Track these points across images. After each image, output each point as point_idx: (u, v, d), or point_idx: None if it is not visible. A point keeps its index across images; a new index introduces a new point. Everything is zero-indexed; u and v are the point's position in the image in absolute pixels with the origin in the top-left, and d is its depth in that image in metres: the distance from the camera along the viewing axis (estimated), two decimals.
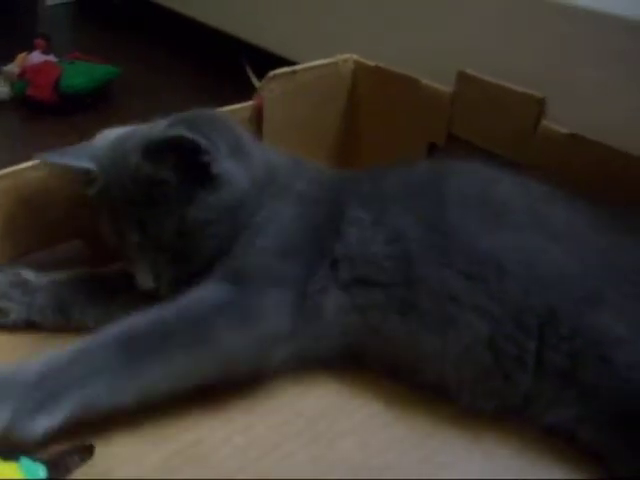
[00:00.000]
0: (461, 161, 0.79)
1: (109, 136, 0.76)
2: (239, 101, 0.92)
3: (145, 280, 0.71)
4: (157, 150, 0.68)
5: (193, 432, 0.64)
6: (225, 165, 0.69)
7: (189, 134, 0.66)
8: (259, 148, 0.77)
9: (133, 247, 0.71)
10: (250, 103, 0.94)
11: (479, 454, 0.64)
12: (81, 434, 0.61)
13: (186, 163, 0.67)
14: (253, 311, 0.65)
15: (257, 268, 0.68)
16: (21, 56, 1.52)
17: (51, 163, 0.76)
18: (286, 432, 0.65)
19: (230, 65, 1.62)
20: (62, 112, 1.44)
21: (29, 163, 0.78)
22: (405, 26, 1.13)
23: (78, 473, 0.59)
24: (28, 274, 0.77)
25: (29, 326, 0.76)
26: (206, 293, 0.66)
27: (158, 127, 0.72)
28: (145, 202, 0.69)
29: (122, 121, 0.79)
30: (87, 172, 0.73)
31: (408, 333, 0.66)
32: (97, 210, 0.74)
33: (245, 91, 0.97)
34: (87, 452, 0.61)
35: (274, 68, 0.96)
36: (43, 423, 0.58)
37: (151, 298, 0.71)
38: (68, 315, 0.76)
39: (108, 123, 0.79)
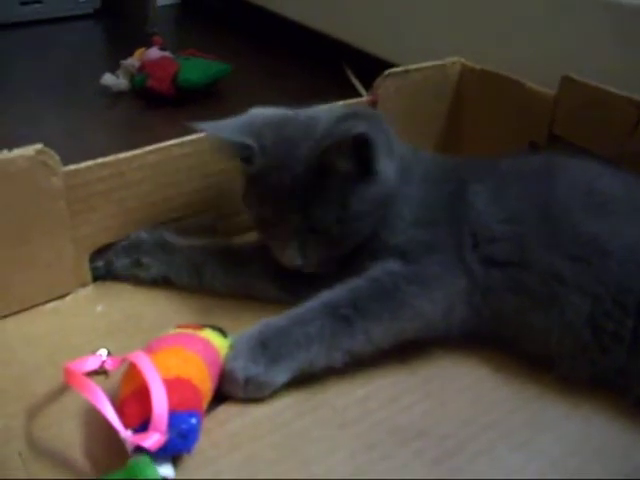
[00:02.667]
0: (568, 157, 0.84)
1: (262, 115, 0.82)
2: (340, 100, 0.98)
3: (293, 258, 0.77)
4: (343, 144, 0.72)
5: (319, 381, 0.72)
6: (383, 162, 0.76)
7: (370, 134, 0.72)
8: (396, 142, 0.84)
9: (289, 227, 0.76)
10: (365, 99, 1.02)
11: (578, 418, 0.69)
12: None
13: (357, 157, 0.74)
14: (430, 276, 0.73)
15: (412, 241, 0.76)
16: (139, 51, 1.64)
17: (210, 135, 0.82)
18: (402, 388, 0.73)
19: (330, 66, 1.70)
20: (177, 103, 1.55)
21: (176, 140, 0.87)
22: (511, 33, 1.20)
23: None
24: (170, 236, 0.86)
25: (165, 282, 0.86)
26: (388, 268, 0.74)
27: (328, 119, 0.78)
28: (313, 189, 0.74)
29: (233, 112, 0.82)
30: (246, 148, 0.77)
31: (518, 308, 0.73)
32: (250, 187, 0.80)
33: (346, 91, 1.04)
34: None
35: (373, 70, 1.04)
36: (281, 377, 0.69)
37: (279, 270, 0.81)
38: (200, 277, 0.85)
39: (220, 114, 0.82)
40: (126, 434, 0.58)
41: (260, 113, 0.82)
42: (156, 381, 0.59)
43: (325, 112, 0.81)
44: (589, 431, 0.68)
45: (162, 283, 0.86)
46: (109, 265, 0.86)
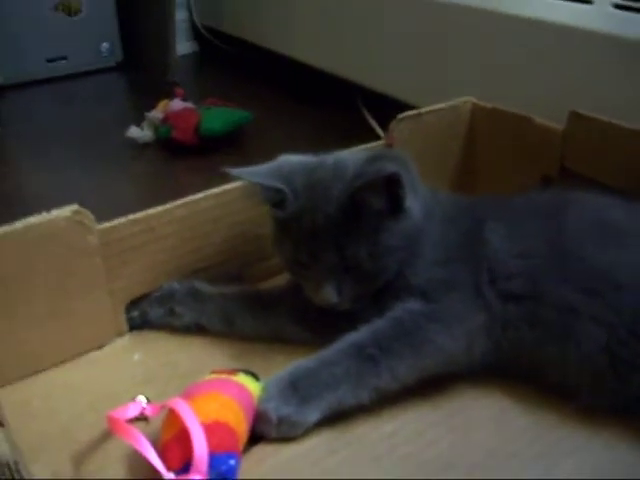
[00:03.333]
0: (579, 191, 0.87)
1: (291, 160, 0.85)
2: (359, 142, 1.02)
3: (330, 296, 0.79)
4: (376, 183, 0.76)
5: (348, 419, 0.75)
6: (410, 200, 0.80)
7: (400, 172, 0.76)
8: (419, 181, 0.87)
9: (325, 266, 0.79)
10: (381, 142, 1.07)
11: (598, 445, 0.72)
12: None
13: (388, 196, 0.78)
14: (450, 313, 0.77)
15: (432, 280, 0.79)
16: (163, 103, 1.70)
17: (242, 180, 0.85)
18: (427, 423, 0.76)
19: (345, 108, 1.75)
20: (201, 152, 1.60)
21: (201, 194, 0.92)
22: (517, 72, 1.24)
23: None
24: (201, 285, 0.91)
25: (198, 329, 0.90)
26: (409, 307, 0.78)
27: (356, 162, 0.82)
28: (346, 227, 0.77)
29: (255, 158, 0.85)
30: (278, 192, 0.80)
31: (536, 341, 0.76)
32: (281, 232, 0.83)
33: (364, 132, 1.08)
34: None
35: (390, 110, 1.09)
36: (312, 416, 0.73)
37: (302, 313, 0.86)
38: (231, 323, 0.89)
39: (243, 160, 0.84)
40: (169, 476, 0.62)
41: (289, 159, 0.86)
42: (195, 425, 0.63)
43: (351, 156, 0.85)
44: (610, 457, 0.71)
45: (195, 330, 0.90)
46: (144, 315, 0.91)
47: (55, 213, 0.80)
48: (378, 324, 0.77)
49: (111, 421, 0.68)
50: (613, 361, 0.72)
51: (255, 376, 0.75)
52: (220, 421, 0.65)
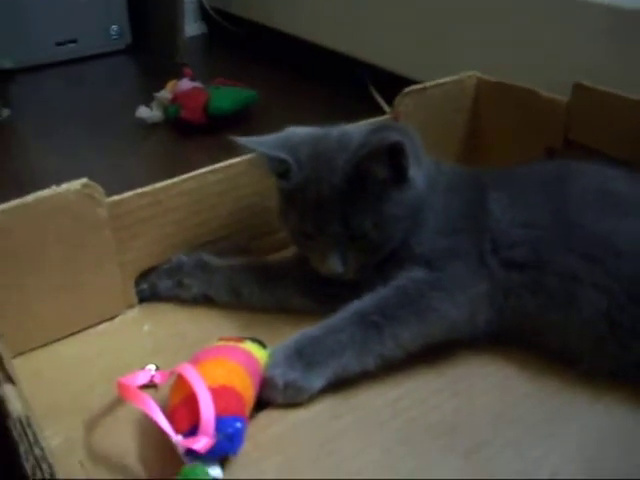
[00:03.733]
0: (582, 162, 0.88)
1: (297, 132, 0.86)
2: (366, 119, 1.02)
3: (336, 266, 0.80)
4: (380, 152, 0.77)
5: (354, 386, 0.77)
6: (414, 169, 0.81)
7: (403, 141, 0.77)
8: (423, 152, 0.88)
9: (330, 237, 0.80)
10: (387, 117, 1.08)
11: (600, 409, 0.73)
12: None
13: (391, 165, 0.79)
14: (453, 281, 0.78)
15: (435, 249, 0.80)
16: (171, 83, 1.71)
17: (247, 149, 0.86)
18: (431, 389, 0.77)
19: (353, 87, 1.76)
20: (209, 131, 1.61)
21: (209, 168, 0.93)
22: (521, 44, 1.24)
23: None
24: (209, 258, 0.92)
25: (206, 301, 0.92)
26: (413, 276, 0.79)
27: (361, 133, 0.83)
28: (351, 197, 0.79)
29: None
30: (283, 163, 0.81)
31: (538, 308, 0.77)
32: (286, 203, 0.84)
33: (370, 109, 1.09)
34: None
35: (395, 87, 1.09)
36: (317, 382, 0.74)
37: (308, 283, 0.87)
38: (238, 294, 0.90)
39: None
40: (177, 439, 0.63)
41: (294, 130, 0.87)
42: (203, 389, 0.65)
43: (356, 128, 0.86)
44: (611, 421, 0.72)
45: (203, 302, 0.91)
46: (153, 287, 0.92)
47: (65, 186, 0.81)
48: (382, 292, 0.78)
49: (120, 387, 0.70)
50: (613, 327, 0.73)
51: (262, 344, 0.76)
52: (227, 385, 0.67)
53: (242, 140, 0.83)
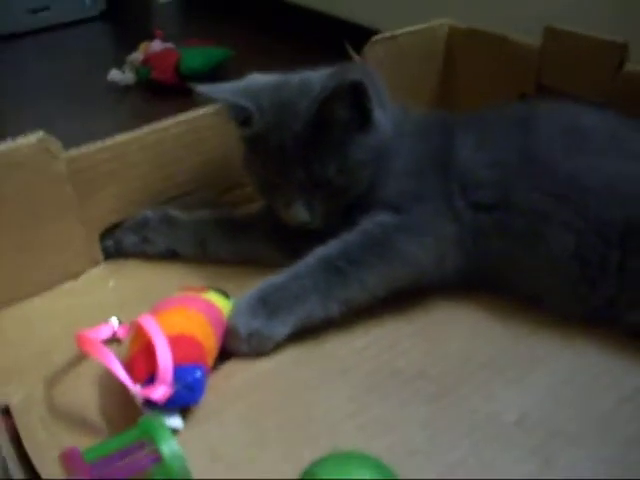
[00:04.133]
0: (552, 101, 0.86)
1: (259, 79, 0.85)
2: None
3: (302, 214, 0.79)
4: (341, 92, 0.75)
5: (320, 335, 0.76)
6: (377, 112, 0.79)
7: (364, 81, 0.74)
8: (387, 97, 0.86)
9: (294, 184, 0.78)
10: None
11: (570, 351, 0.72)
12: None
13: (354, 107, 0.77)
14: (420, 224, 0.76)
15: (402, 192, 0.78)
16: (143, 45, 1.69)
17: (208, 96, 0.83)
18: (400, 335, 0.76)
19: (327, 43, 1.72)
20: (182, 92, 1.58)
21: (172, 120, 0.94)
22: None
23: None
24: (174, 212, 0.90)
25: (172, 256, 0.90)
26: (379, 220, 0.77)
27: (322, 78, 0.80)
28: (313, 143, 0.77)
29: None
30: (244, 110, 0.79)
31: (507, 249, 0.75)
32: (250, 151, 0.83)
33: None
34: None
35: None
36: (282, 329, 0.72)
37: (275, 234, 0.85)
38: (204, 247, 0.88)
39: None
40: (135, 388, 0.62)
41: (256, 77, 0.85)
42: (159, 337, 0.63)
43: (317, 73, 0.84)
44: (582, 362, 0.71)
45: (169, 257, 0.90)
46: (118, 243, 0.90)
47: (20, 141, 0.79)
48: (347, 237, 0.76)
49: (79, 339, 0.68)
50: (582, 266, 0.72)
51: (225, 294, 0.75)
52: (186, 334, 0.65)
53: (202, 88, 0.81)
